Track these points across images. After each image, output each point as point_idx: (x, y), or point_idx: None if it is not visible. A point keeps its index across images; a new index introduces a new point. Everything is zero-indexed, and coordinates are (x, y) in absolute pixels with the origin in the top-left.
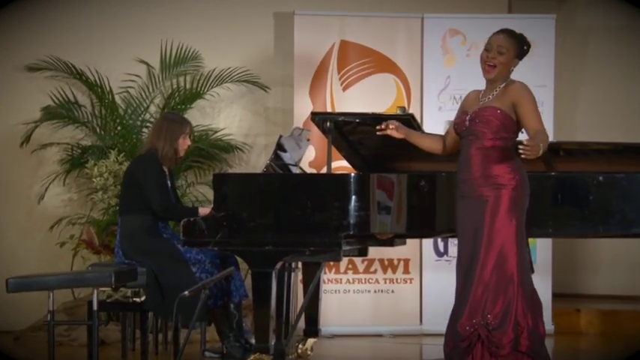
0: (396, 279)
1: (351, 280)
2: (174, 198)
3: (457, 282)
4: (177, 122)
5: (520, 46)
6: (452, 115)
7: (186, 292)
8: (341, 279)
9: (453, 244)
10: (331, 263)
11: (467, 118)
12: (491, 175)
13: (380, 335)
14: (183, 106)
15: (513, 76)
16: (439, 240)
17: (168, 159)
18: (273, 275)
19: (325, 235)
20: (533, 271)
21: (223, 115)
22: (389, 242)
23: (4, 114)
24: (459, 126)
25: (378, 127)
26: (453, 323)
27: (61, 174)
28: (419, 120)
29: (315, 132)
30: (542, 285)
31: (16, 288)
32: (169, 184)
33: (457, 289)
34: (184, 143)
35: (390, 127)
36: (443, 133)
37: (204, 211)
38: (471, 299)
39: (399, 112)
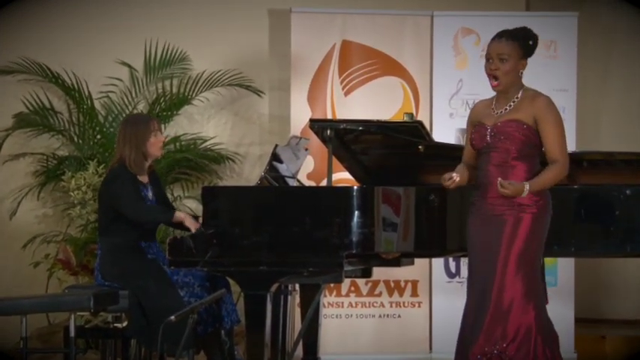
0: (403, 302)
1: (353, 304)
2: (164, 206)
3: (467, 303)
4: (141, 122)
5: (524, 45)
6: (464, 123)
7: (172, 317)
8: (342, 302)
9: (466, 265)
10: (332, 285)
11: (487, 132)
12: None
13: None
14: (169, 113)
15: (531, 78)
16: (450, 260)
17: (139, 166)
18: (268, 298)
19: (325, 254)
20: (547, 302)
21: (213, 123)
22: (395, 262)
23: None
24: (478, 141)
25: (446, 185)
26: (463, 350)
27: (35, 187)
28: (428, 128)
29: (314, 141)
30: (564, 309)
31: None
32: (150, 195)
33: (466, 312)
34: (157, 141)
35: (455, 178)
36: (454, 141)
37: (180, 215)
38: (485, 327)
39: (406, 119)
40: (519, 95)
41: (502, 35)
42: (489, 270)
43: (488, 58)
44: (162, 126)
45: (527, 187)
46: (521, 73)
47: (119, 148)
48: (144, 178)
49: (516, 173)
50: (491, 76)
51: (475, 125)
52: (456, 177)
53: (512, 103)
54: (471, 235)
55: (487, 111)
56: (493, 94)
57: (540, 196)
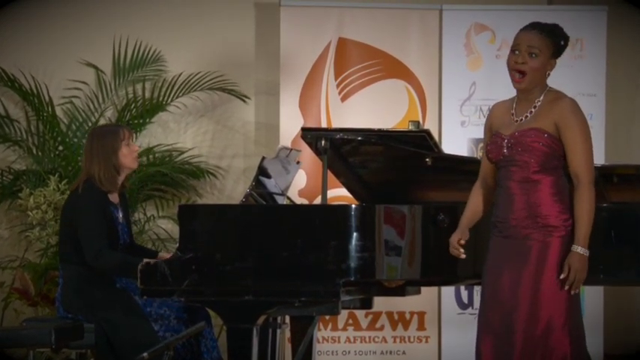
0: (409, 337)
1: (351, 339)
2: (128, 236)
3: (484, 343)
4: (109, 133)
5: (556, 43)
6: (477, 132)
7: (144, 354)
8: (339, 337)
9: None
10: (327, 317)
11: (504, 143)
12: (539, 214)
13: None
14: (141, 120)
15: (554, 80)
16: (462, 288)
17: (110, 182)
18: (254, 333)
19: (319, 282)
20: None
21: (191, 132)
22: (399, 291)
23: None
24: (494, 154)
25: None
26: None
27: None
28: (436, 138)
29: (307, 153)
30: (592, 344)
31: None
32: (120, 217)
33: (479, 348)
34: (130, 152)
35: (461, 253)
36: (465, 153)
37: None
38: None
39: (411, 127)
40: (541, 98)
41: (535, 27)
42: (511, 309)
43: (515, 49)
44: (134, 136)
45: (580, 250)
46: (549, 74)
47: (86, 164)
48: (114, 198)
49: (541, 189)
50: (516, 70)
51: (495, 135)
52: (462, 254)
53: (533, 109)
54: (491, 264)
55: (506, 117)
56: (511, 97)
57: (569, 215)
